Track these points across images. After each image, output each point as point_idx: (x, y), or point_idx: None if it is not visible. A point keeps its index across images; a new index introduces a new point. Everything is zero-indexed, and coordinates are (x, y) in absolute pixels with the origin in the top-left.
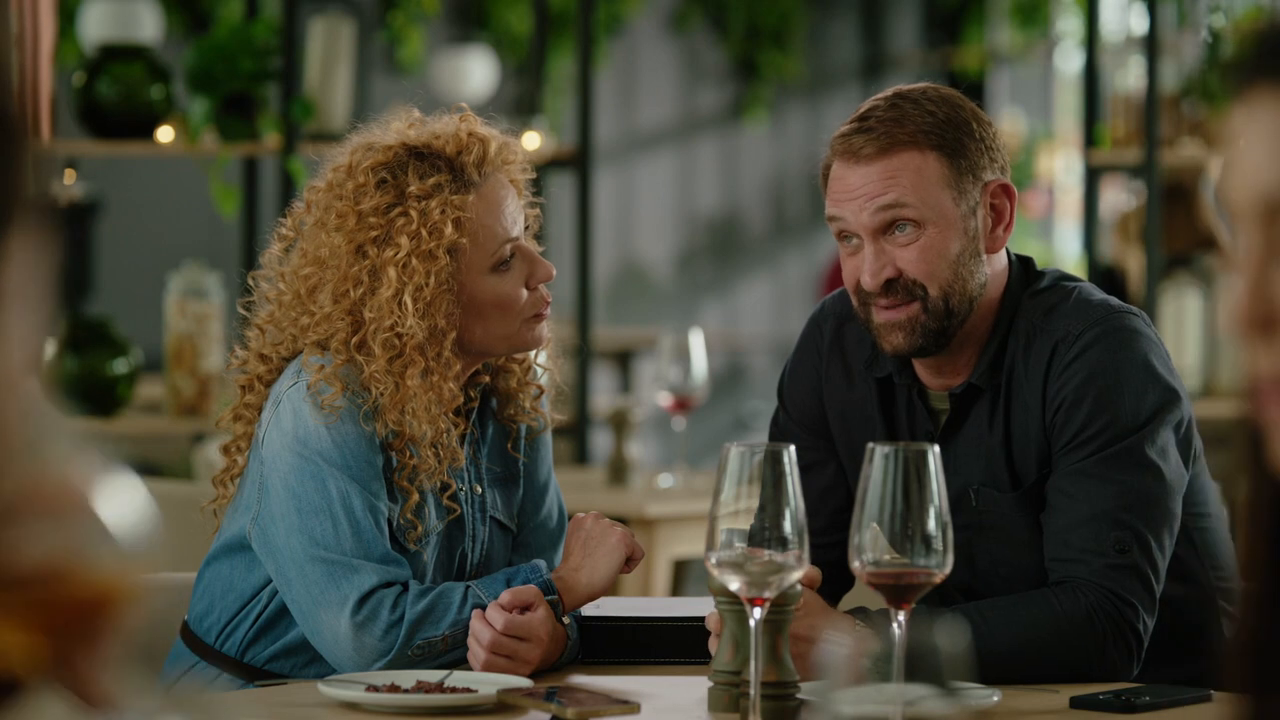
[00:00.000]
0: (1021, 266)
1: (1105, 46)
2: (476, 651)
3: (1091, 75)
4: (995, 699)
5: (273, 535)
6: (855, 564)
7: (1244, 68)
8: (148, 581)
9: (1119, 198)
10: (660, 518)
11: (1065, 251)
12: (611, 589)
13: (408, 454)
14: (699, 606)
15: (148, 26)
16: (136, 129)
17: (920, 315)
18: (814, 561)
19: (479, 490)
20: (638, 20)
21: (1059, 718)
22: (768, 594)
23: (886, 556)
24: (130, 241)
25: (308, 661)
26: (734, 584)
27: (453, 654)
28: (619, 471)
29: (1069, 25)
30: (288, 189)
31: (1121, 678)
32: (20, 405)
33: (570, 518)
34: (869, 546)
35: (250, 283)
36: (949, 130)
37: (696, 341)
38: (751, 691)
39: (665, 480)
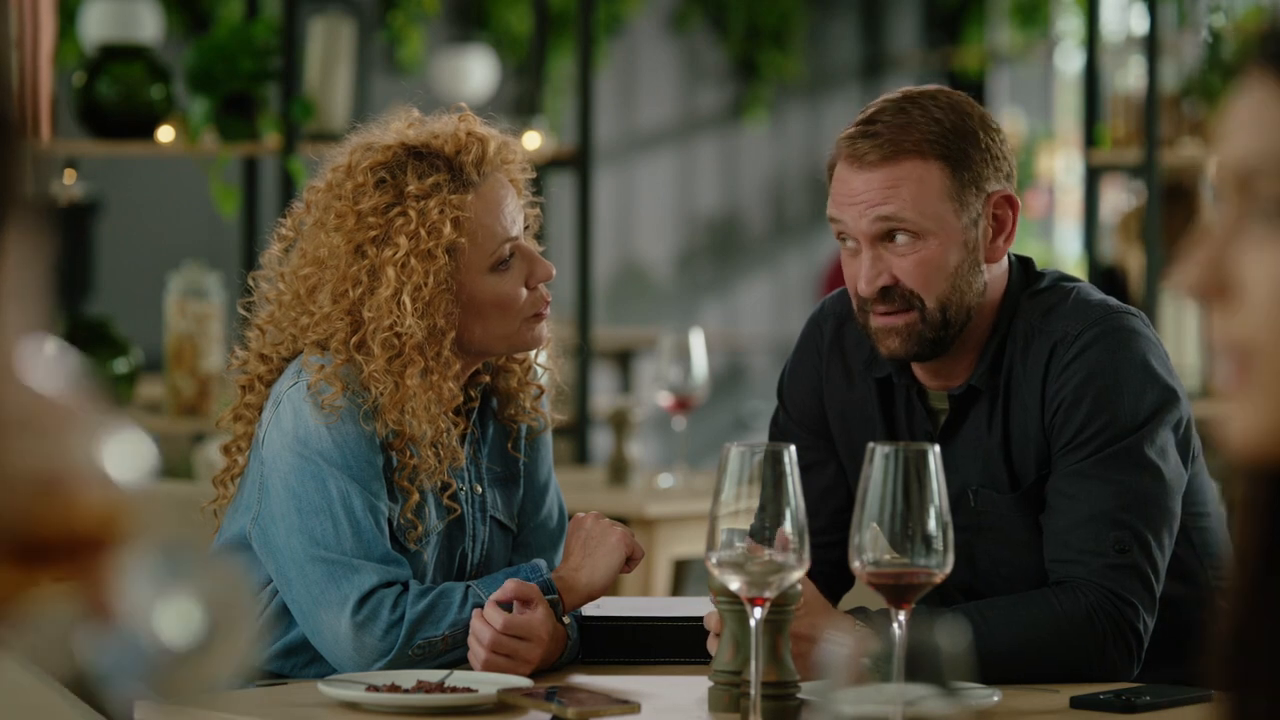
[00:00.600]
0: (1021, 267)
1: (1105, 46)
2: (476, 650)
3: (1091, 75)
4: (995, 699)
5: (273, 535)
6: (855, 564)
7: (1245, 57)
8: (142, 505)
9: (1119, 198)
10: (660, 518)
11: (1065, 252)
12: (611, 589)
13: (408, 454)
14: (699, 606)
15: (148, 26)
16: (136, 129)
17: (917, 324)
18: (814, 561)
19: (479, 490)
20: (638, 20)
21: (1059, 718)
22: (768, 594)
23: (886, 556)
24: (130, 241)
25: (308, 661)
26: (734, 584)
27: (453, 654)
28: (619, 471)
29: (1069, 25)
30: (288, 189)
31: (1121, 678)
32: (16, 394)
33: (570, 518)
34: (869, 546)
35: (250, 283)
36: (955, 139)
37: (696, 341)
38: (752, 691)
39: (665, 480)
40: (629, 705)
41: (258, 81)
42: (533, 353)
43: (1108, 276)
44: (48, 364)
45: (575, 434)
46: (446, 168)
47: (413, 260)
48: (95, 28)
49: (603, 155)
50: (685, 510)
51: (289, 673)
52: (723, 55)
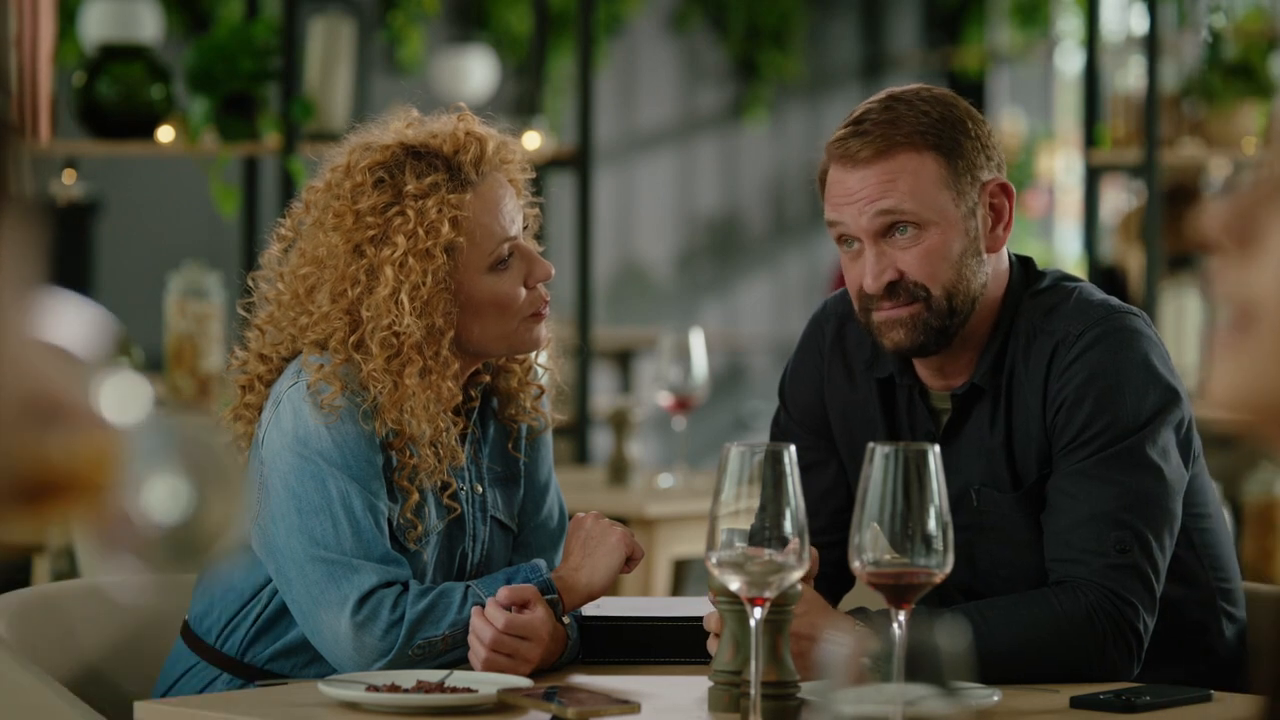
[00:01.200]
0: (1022, 267)
1: (1105, 46)
2: (477, 650)
3: (1091, 75)
4: (995, 699)
5: (273, 535)
6: (855, 564)
7: None
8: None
9: (1119, 198)
10: (660, 518)
11: (1065, 251)
12: (611, 589)
13: (408, 453)
14: (699, 606)
15: (148, 26)
16: (136, 129)
17: (923, 313)
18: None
19: (480, 490)
20: (638, 20)
21: (1059, 718)
22: (768, 594)
23: (886, 556)
24: (130, 241)
25: (308, 661)
26: (734, 584)
27: (453, 654)
28: (619, 471)
29: (1069, 25)
30: (288, 189)
31: (1122, 678)
32: (17, 360)
33: (570, 518)
34: (869, 546)
35: (250, 283)
36: (945, 130)
37: (696, 341)
38: (752, 691)
39: (665, 480)
40: (629, 705)
41: (258, 81)
42: (533, 353)
43: (1108, 276)
44: (60, 315)
45: (575, 434)
46: (445, 167)
47: (411, 260)
48: (95, 28)
49: (603, 155)
50: (685, 510)
51: (289, 673)
52: (723, 55)
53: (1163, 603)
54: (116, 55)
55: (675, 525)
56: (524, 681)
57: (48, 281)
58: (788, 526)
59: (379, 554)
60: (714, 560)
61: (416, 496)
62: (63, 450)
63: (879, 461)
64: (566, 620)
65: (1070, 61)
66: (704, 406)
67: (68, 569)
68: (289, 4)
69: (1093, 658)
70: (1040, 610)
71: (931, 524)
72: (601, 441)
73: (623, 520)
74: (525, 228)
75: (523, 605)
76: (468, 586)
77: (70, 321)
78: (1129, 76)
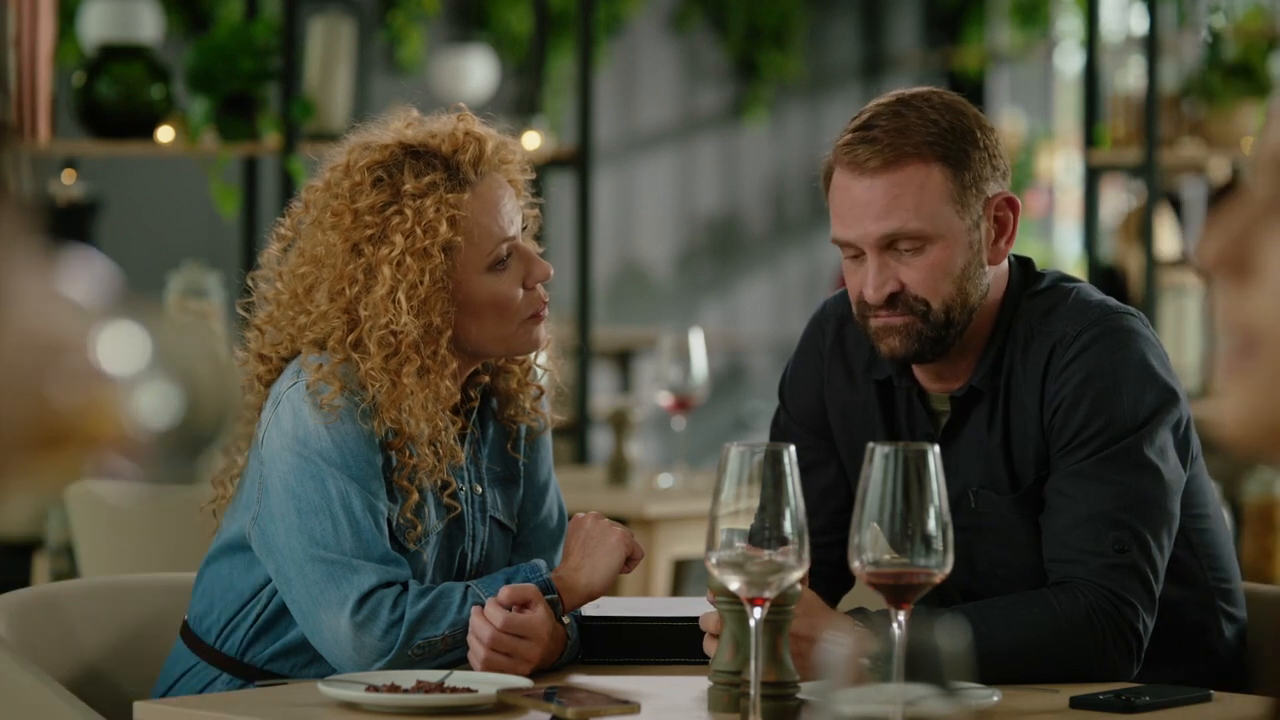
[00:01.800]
0: (1021, 268)
1: (1105, 46)
2: (476, 649)
3: (1091, 75)
4: (995, 699)
5: (272, 535)
6: (855, 564)
7: None
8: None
9: (1119, 198)
10: (660, 518)
11: (1065, 251)
12: (611, 589)
13: (407, 453)
14: (699, 606)
15: (148, 26)
16: (136, 129)
17: (919, 324)
18: (814, 562)
19: (479, 490)
20: (638, 20)
21: (1059, 718)
22: (768, 594)
23: (886, 556)
24: (130, 241)
25: (308, 661)
26: (734, 584)
27: (453, 654)
28: (619, 471)
29: (1069, 25)
30: (288, 189)
31: (1121, 678)
32: (17, 397)
33: (570, 518)
34: (869, 546)
35: (250, 283)
36: (954, 141)
37: (696, 341)
38: (751, 691)
39: (665, 480)
40: (629, 705)
41: (258, 81)
42: (532, 354)
43: (1107, 277)
44: (65, 269)
45: (575, 434)
46: (443, 167)
47: (408, 259)
48: (95, 28)
49: (603, 155)
50: (685, 510)
51: (289, 673)
52: (723, 55)
53: (1162, 603)
54: (116, 55)
55: (675, 525)
56: (524, 681)
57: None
58: (787, 526)
59: (378, 554)
60: (714, 560)
61: (416, 496)
62: (66, 401)
63: (879, 461)
64: (566, 620)
65: (1070, 61)
66: (704, 406)
67: (68, 569)
68: (289, 4)
69: (1092, 658)
70: (1040, 610)
71: (931, 524)
72: (601, 441)
73: (623, 520)
74: (525, 228)
75: (524, 605)
76: (467, 586)
77: (73, 276)
78: (1129, 76)
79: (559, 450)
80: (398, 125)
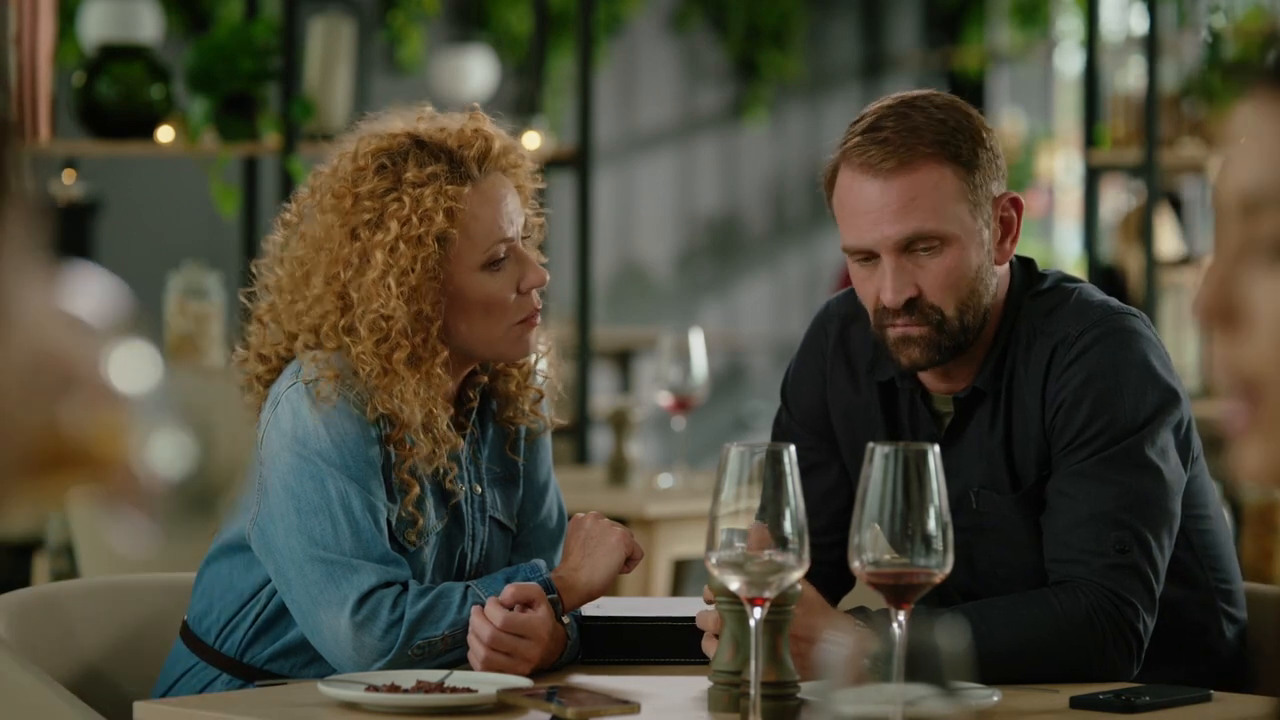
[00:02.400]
0: (1023, 269)
1: (1105, 46)
2: (476, 648)
3: (1091, 75)
4: (995, 699)
5: (272, 535)
6: (855, 564)
7: (1251, 70)
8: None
9: (1119, 198)
10: (660, 518)
11: (1065, 251)
12: (611, 589)
13: (405, 443)
14: (699, 606)
15: (148, 26)
16: (136, 129)
17: (936, 335)
18: (815, 561)
19: (479, 490)
20: (638, 20)
21: (1059, 718)
22: (768, 594)
23: (886, 556)
24: (130, 241)
25: (308, 661)
26: (734, 584)
27: (453, 654)
28: (619, 471)
29: (1069, 25)
30: (288, 189)
31: (1122, 678)
32: (22, 397)
33: (570, 518)
34: (869, 546)
35: (254, 271)
36: (963, 140)
37: (696, 341)
38: (751, 691)
39: (665, 480)
40: (629, 705)
41: (258, 81)
42: (532, 357)
43: (1107, 276)
44: (74, 287)
45: (575, 434)
46: (447, 160)
47: (402, 245)
48: (95, 28)
49: (603, 155)
50: (685, 510)
51: (288, 673)
52: (723, 55)
53: (1162, 603)
54: (116, 55)
55: (675, 525)
56: (524, 681)
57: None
58: (788, 526)
59: (378, 554)
60: (714, 560)
61: (417, 490)
62: (75, 422)
63: (879, 461)
64: (566, 620)
65: (1070, 61)
66: (704, 406)
67: (68, 569)
68: (289, 4)
69: (1093, 658)
70: (1040, 610)
71: (931, 524)
72: (601, 441)
73: (623, 520)
74: (527, 236)
75: (526, 604)
76: (467, 586)
77: (83, 293)
78: (1129, 76)
79: (559, 450)
80: (410, 118)
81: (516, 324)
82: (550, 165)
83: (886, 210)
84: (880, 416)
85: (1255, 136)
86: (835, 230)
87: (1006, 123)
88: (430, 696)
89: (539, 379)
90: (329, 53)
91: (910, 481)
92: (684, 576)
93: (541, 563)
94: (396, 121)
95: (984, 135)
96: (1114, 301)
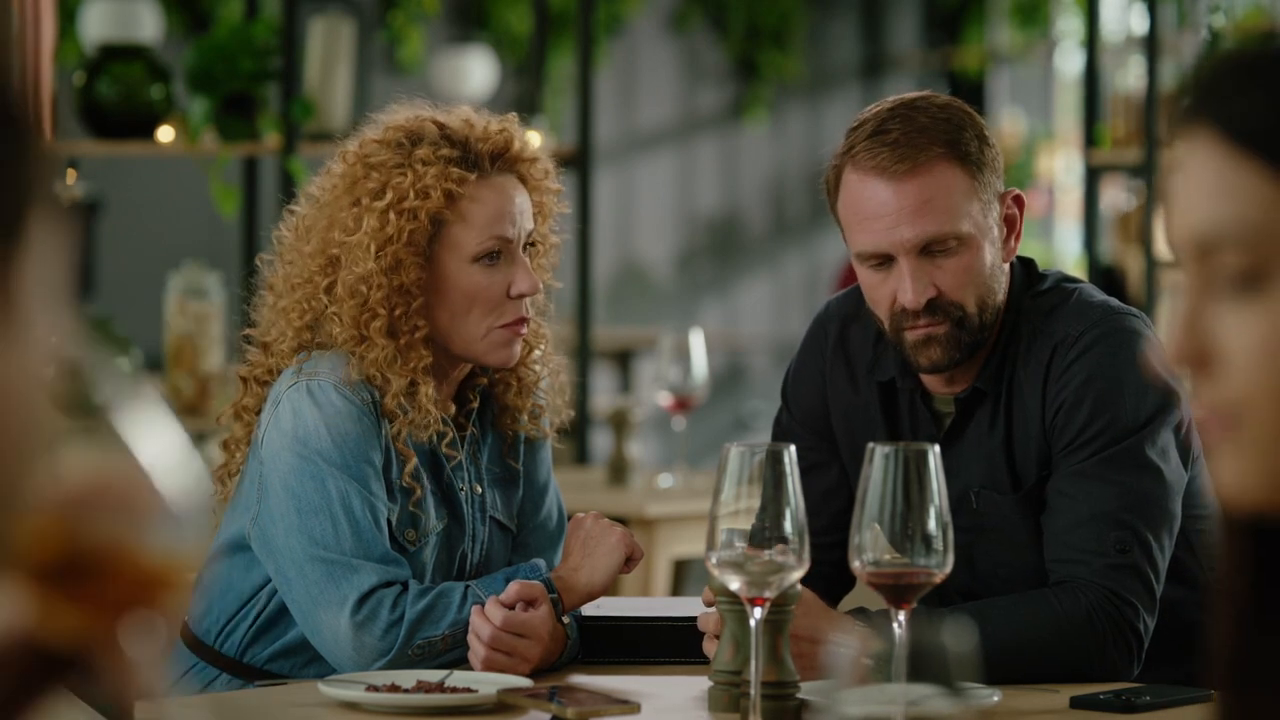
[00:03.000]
0: (1024, 269)
1: (1105, 46)
2: (476, 648)
3: (1091, 75)
4: (995, 699)
5: (272, 535)
6: (855, 564)
7: (1184, 105)
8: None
9: (1119, 197)
10: (660, 518)
11: (1065, 251)
12: (611, 589)
13: (397, 414)
14: (699, 606)
15: (148, 26)
16: (136, 129)
17: (957, 331)
18: (815, 562)
19: (479, 490)
20: (638, 20)
21: (1059, 718)
22: (768, 594)
23: (887, 556)
24: (130, 241)
25: (307, 661)
26: (734, 584)
27: (453, 653)
28: (619, 471)
29: (1069, 25)
30: (288, 189)
31: (1122, 678)
32: (40, 407)
33: (570, 518)
34: (869, 546)
35: (258, 264)
36: (969, 139)
37: (696, 341)
38: (751, 691)
39: (665, 480)
40: (629, 705)
41: (258, 81)
42: (537, 368)
43: (1106, 276)
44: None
45: (575, 434)
46: (462, 147)
47: (393, 215)
48: (95, 28)
49: (603, 155)
50: (685, 510)
51: (289, 673)
52: (723, 55)
53: (1162, 603)
54: (116, 55)
55: (675, 525)
56: (524, 681)
57: (74, 289)
58: (788, 526)
59: (379, 554)
60: (714, 560)
61: (419, 492)
62: (148, 545)
63: (879, 461)
64: (566, 620)
65: (1070, 61)
66: (704, 406)
67: None
68: (289, 4)
69: (1093, 658)
70: (1040, 610)
71: (931, 524)
72: (601, 441)
73: (623, 520)
74: (532, 245)
75: (528, 603)
76: (467, 586)
77: (154, 443)
78: (1129, 76)
79: (559, 451)
80: (444, 111)
81: (499, 327)
82: (539, 144)
83: (903, 213)
84: (880, 416)
85: (1194, 177)
86: (835, 230)
87: (1006, 123)
88: (430, 696)
89: (540, 396)
90: (329, 53)
91: (910, 481)
92: (684, 576)
93: (541, 562)
94: (433, 110)
95: (986, 133)
96: (1114, 301)
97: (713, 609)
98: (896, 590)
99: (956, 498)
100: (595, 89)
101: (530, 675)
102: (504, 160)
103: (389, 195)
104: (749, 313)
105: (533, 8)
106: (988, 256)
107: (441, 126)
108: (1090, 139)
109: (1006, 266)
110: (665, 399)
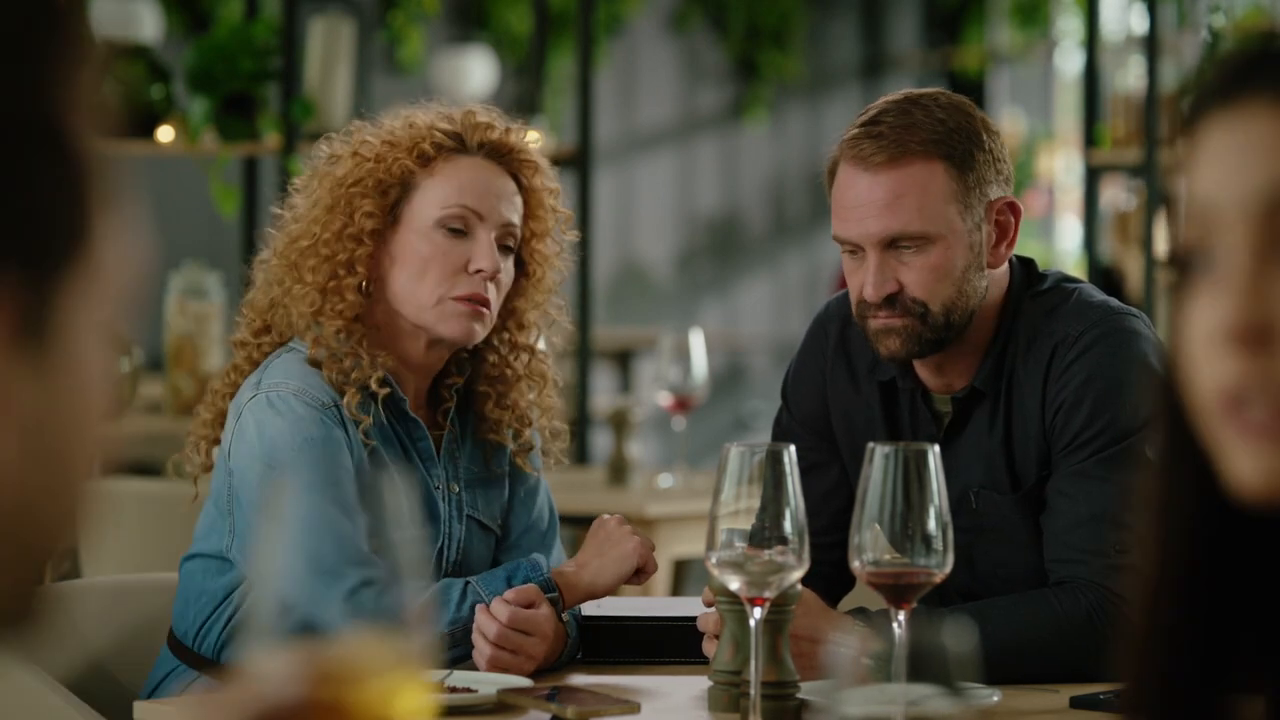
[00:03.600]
0: (1024, 269)
1: (1105, 46)
2: (481, 646)
3: (1091, 75)
4: (995, 699)
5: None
6: (855, 564)
7: (1231, 78)
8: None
9: (1119, 197)
10: (660, 518)
11: (1065, 251)
12: (615, 594)
13: (341, 360)
14: (699, 606)
15: (148, 26)
16: (136, 129)
17: (918, 326)
18: (815, 562)
19: (455, 489)
20: (638, 20)
21: (1059, 718)
22: (768, 594)
23: (886, 556)
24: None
25: None
26: (734, 584)
27: (453, 653)
28: (619, 471)
29: (1069, 25)
30: (288, 189)
31: None
32: (98, 443)
33: (578, 520)
34: (869, 546)
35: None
36: (959, 140)
37: (696, 341)
38: (751, 691)
39: (665, 480)
40: (629, 705)
41: (258, 81)
42: (528, 398)
43: (1106, 276)
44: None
45: (575, 434)
46: (455, 125)
47: (367, 160)
48: (95, 27)
49: (603, 155)
50: (685, 510)
51: None
52: (723, 55)
53: None
54: (116, 55)
55: (675, 525)
56: (524, 682)
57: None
58: (788, 526)
59: (359, 556)
60: (714, 560)
61: (359, 395)
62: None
63: (879, 461)
64: (565, 619)
65: (1070, 61)
66: (704, 406)
67: (68, 569)
68: (289, 4)
69: (1093, 658)
70: (1040, 610)
71: (931, 524)
72: (601, 441)
73: None
74: (509, 239)
75: (528, 606)
76: (466, 583)
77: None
78: (1129, 76)
79: None
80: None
81: (452, 298)
82: (550, 165)
83: (873, 205)
84: (880, 416)
85: (1251, 139)
86: None
87: (1006, 123)
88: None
89: (535, 433)
90: (329, 53)
91: (910, 481)
92: (684, 576)
93: (542, 559)
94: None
95: (984, 138)
96: (1114, 301)
97: (713, 609)
98: (896, 590)
99: (956, 498)
100: (595, 89)
101: (530, 675)
102: (493, 148)
103: (374, 143)
104: (749, 313)
105: (533, 8)
106: (959, 259)
107: (449, 118)
108: (1090, 139)
109: (1002, 269)
110: (665, 399)
